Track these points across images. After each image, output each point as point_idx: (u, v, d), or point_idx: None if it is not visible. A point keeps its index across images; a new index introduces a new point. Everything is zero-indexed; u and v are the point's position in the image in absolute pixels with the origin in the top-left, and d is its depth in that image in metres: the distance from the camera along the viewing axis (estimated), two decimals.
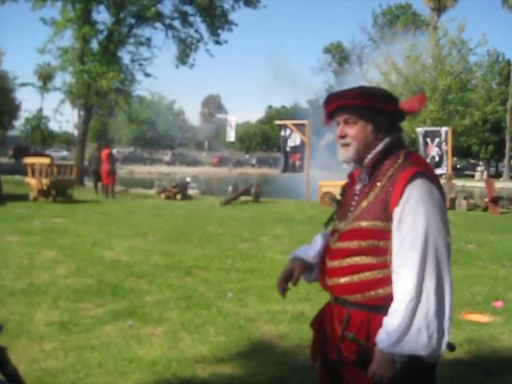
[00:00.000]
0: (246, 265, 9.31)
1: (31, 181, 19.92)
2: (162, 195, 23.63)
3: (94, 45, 29.67)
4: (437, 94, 29.88)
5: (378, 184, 2.44)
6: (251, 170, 75.10)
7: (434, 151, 22.55)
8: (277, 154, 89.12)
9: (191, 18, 31.43)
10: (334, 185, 21.91)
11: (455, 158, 55.00)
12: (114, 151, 25.74)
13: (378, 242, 2.39)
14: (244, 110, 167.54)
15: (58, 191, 19.95)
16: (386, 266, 2.38)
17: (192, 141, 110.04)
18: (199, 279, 8.27)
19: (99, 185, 24.18)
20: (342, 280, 2.48)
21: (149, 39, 31.18)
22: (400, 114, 2.57)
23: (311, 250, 2.81)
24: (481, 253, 11.06)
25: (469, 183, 40.75)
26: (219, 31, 31.38)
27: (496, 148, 64.14)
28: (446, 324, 2.28)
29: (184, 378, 4.68)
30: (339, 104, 2.54)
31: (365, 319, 2.42)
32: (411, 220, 2.29)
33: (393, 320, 2.27)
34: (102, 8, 30.00)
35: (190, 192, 25.59)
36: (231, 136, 27.33)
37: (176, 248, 10.74)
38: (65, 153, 75.61)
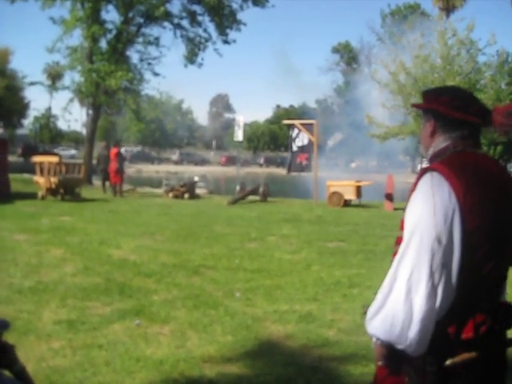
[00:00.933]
0: (254, 264, 9.30)
1: (40, 179, 19.96)
2: (170, 194, 23.64)
3: (103, 44, 29.74)
4: None
5: None
6: (259, 169, 75.11)
7: None
8: (284, 153, 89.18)
9: (200, 18, 31.45)
10: (342, 185, 21.91)
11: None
12: (122, 150, 25.72)
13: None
14: (252, 110, 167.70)
15: (67, 190, 20.00)
16: None
17: (200, 140, 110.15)
18: (207, 278, 8.27)
19: (107, 183, 24.21)
20: None
21: (157, 38, 31.22)
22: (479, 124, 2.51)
23: None
24: None
25: None
26: (227, 31, 31.37)
27: (505, 148, 63.89)
28: (416, 319, 2.23)
29: (191, 378, 4.68)
30: (416, 106, 2.69)
31: None
32: (408, 214, 2.34)
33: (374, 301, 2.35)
34: (110, 7, 30.07)
35: (198, 191, 25.60)
36: (239, 135, 27.24)
37: (184, 247, 10.74)
38: (73, 151, 75.78)
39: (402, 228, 2.43)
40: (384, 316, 2.29)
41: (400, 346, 2.28)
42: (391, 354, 2.35)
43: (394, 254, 2.40)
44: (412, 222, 2.31)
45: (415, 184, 2.36)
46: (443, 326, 2.29)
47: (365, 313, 2.48)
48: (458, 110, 2.45)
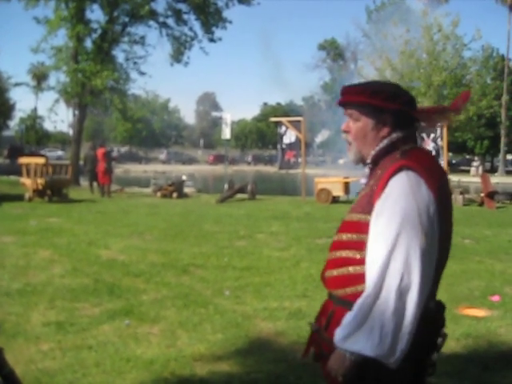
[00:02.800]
0: (243, 262, 9.29)
1: (26, 181, 19.85)
2: (158, 194, 23.59)
3: (88, 44, 29.65)
4: (432, 89, 29.88)
5: (372, 181, 2.38)
6: (247, 167, 75.10)
7: (430, 146, 22.57)
8: (272, 151, 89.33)
9: (185, 16, 31.40)
10: (330, 181, 21.95)
11: (450, 154, 55.03)
12: (110, 149, 25.67)
13: (363, 236, 2.30)
14: (239, 108, 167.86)
15: (54, 191, 19.92)
16: (359, 263, 2.33)
17: (187, 139, 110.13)
18: (196, 277, 8.26)
19: (94, 184, 24.12)
20: (331, 273, 2.45)
21: (143, 37, 31.15)
22: (410, 112, 2.46)
23: None
24: (477, 247, 11.07)
25: (464, 178, 40.78)
26: (213, 29, 31.34)
27: (491, 143, 64.26)
28: (406, 329, 2.12)
29: (182, 377, 4.67)
30: (345, 100, 2.50)
31: (338, 315, 2.36)
32: (388, 215, 2.20)
33: (349, 314, 2.21)
34: (95, 7, 29.94)
35: (186, 190, 25.56)
36: (227, 134, 27.25)
37: (172, 246, 10.72)
38: (60, 152, 75.46)
39: (343, 230, 2.41)
40: (370, 329, 2.14)
41: (386, 361, 2.15)
42: (365, 371, 2.21)
43: (333, 261, 2.41)
44: (396, 224, 2.17)
45: (384, 182, 2.26)
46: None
47: (316, 331, 2.47)
48: (413, 108, 2.45)
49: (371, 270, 2.19)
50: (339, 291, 2.39)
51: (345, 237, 2.39)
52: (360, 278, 2.28)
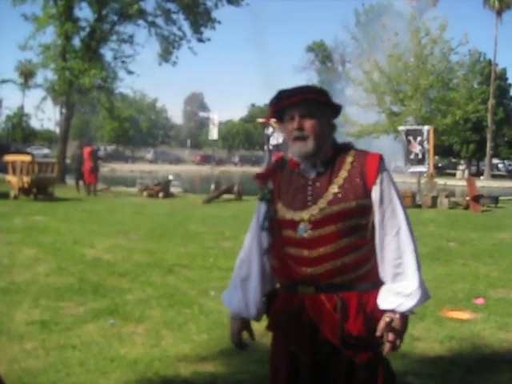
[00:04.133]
0: (229, 263, 9.26)
1: (12, 179, 19.74)
2: (144, 193, 23.54)
3: (76, 42, 29.62)
4: (419, 92, 30.00)
5: (343, 170, 2.59)
6: (234, 168, 75.06)
7: (416, 148, 22.69)
8: (259, 152, 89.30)
9: (174, 16, 31.43)
10: None
11: (437, 157, 55.30)
12: (101, 149, 25.60)
13: (361, 220, 2.55)
14: (227, 109, 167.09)
15: (39, 189, 19.84)
16: (366, 242, 2.57)
17: (174, 139, 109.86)
18: (181, 277, 8.25)
19: (81, 183, 24.03)
20: (331, 265, 2.52)
21: (131, 36, 31.13)
22: (337, 112, 2.75)
23: (249, 296, 2.85)
24: (462, 250, 11.12)
25: (450, 182, 40.95)
26: (202, 29, 31.34)
27: (477, 147, 64.65)
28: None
29: (166, 377, 4.66)
30: (300, 98, 2.60)
31: (359, 298, 2.54)
32: (388, 194, 2.56)
33: (413, 281, 2.51)
34: (84, 5, 29.91)
35: (173, 190, 25.53)
36: (214, 134, 27.22)
37: (158, 246, 10.70)
38: (46, 151, 74.96)
39: (335, 221, 2.55)
40: (422, 281, 2.54)
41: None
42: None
43: (339, 250, 2.53)
44: (398, 202, 2.60)
45: (376, 171, 2.57)
46: None
47: (341, 329, 2.52)
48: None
49: (399, 239, 2.55)
50: (347, 277, 2.54)
51: (342, 225, 2.53)
52: (364, 260, 2.57)
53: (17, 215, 14.50)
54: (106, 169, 52.47)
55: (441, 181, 30.40)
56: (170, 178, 27.43)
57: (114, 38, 30.98)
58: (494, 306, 7.00)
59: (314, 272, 2.54)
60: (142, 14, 30.28)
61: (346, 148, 2.68)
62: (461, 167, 64.59)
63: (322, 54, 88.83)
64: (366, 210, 2.55)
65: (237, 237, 12.13)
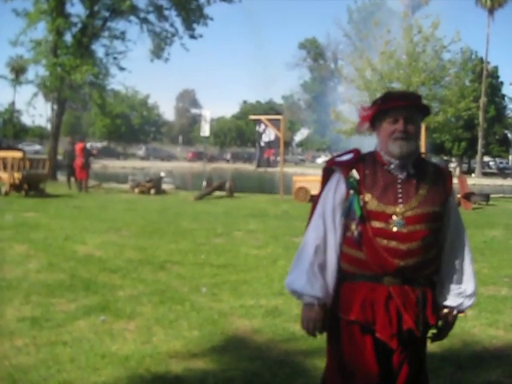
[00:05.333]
0: (220, 259, 9.29)
1: (3, 175, 19.67)
2: (136, 190, 23.50)
3: (68, 38, 29.50)
4: (411, 90, 30.01)
5: (428, 177, 2.85)
6: (225, 164, 75.03)
7: None
8: (251, 149, 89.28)
9: (166, 12, 31.35)
10: (309, 180, 22.02)
11: (428, 155, 55.44)
12: (88, 145, 25.52)
13: (440, 223, 2.84)
14: (219, 105, 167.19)
15: (31, 185, 19.77)
16: (436, 244, 2.84)
17: (166, 135, 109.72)
18: (173, 274, 8.24)
19: (72, 179, 23.96)
20: (418, 259, 2.75)
21: (123, 33, 31.06)
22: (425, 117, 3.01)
23: (329, 284, 2.91)
24: None
25: None
26: (194, 25, 31.29)
27: (468, 145, 64.84)
28: None
29: (157, 374, 4.66)
30: (407, 103, 2.80)
31: (428, 293, 2.83)
32: (456, 206, 2.99)
33: (471, 285, 2.93)
34: (75, 0, 29.84)
35: (164, 187, 25.50)
36: (206, 131, 27.20)
37: (150, 243, 10.69)
38: (38, 147, 74.73)
39: (420, 221, 2.80)
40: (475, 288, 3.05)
41: None
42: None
43: (421, 248, 2.77)
44: (460, 213, 3.08)
45: (451, 182, 2.96)
46: None
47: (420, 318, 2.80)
48: None
49: (467, 247, 2.98)
50: (422, 272, 2.80)
51: (429, 226, 2.78)
52: (436, 260, 2.88)
53: (8, 211, 14.45)
54: (97, 165, 52.35)
55: None
56: (162, 174, 27.38)
57: (106, 34, 30.90)
58: (485, 303, 7.02)
59: (405, 264, 2.73)
60: (133, 10, 30.18)
61: (424, 158, 3.01)
62: (452, 165, 64.76)
63: (314, 51, 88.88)
64: (442, 215, 2.85)
65: (228, 233, 12.17)
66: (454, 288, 2.91)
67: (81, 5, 29.80)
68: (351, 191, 2.80)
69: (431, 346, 5.38)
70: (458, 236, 2.95)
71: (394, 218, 2.73)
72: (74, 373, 4.59)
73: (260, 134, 23.37)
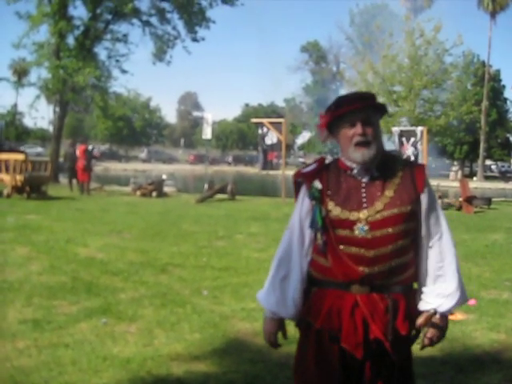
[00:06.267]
0: (222, 262, 9.30)
1: (5, 177, 19.70)
2: (138, 192, 23.50)
3: (70, 40, 29.43)
4: (412, 93, 30.06)
5: (395, 177, 2.73)
6: (227, 167, 75.04)
7: (409, 150, 22.66)
8: (253, 152, 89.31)
9: (168, 15, 31.30)
10: None
11: (430, 158, 55.47)
12: (90, 147, 25.52)
13: (412, 224, 2.70)
14: (221, 108, 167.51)
15: (33, 188, 19.78)
16: (413, 246, 2.74)
17: (168, 138, 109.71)
18: (174, 277, 8.25)
19: (74, 181, 23.97)
20: (387, 265, 2.64)
21: (125, 35, 31.00)
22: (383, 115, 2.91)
23: (288, 295, 2.87)
24: None
25: (443, 183, 41.06)
26: (196, 28, 31.29)
27: (470, 148, 64.80)
28: None
29: (159, 376, 4.67)
30: (362, 105, 2.70)
31: (401, 301, 2.67)
32: (433, 202, 2.77)
33: (452, 283, 2.72)
34: (78, 3, 29.79)
35: (166, 189, 25.50)
36: (207, 133, 27.23)
37: (151, 245, 10.70)
38: (39, 149, 74.73)
39: (386, 225, 2.67)
40: (462, 284, 2.79)
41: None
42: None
43: (390, 253, 2.65)
44: (440, 207, 2.87)
45: (423, 179, 2.78)
46: None
47: (388, 327, 2.63)
48: None
49: (447, 242, 2.75)
50: (395, 278, 2.67)
51: (397, 229, 2.65)
52: (411, 263, 2.74)
53: (10, 214, 14.46)
54: (99, 168, 52.38)
55: (434, 182, 30.45)
56: (164, 177, 27.38)
57: (108, 36, 30.88)
58: (486, 307, 7.03)
59: (372, 271, 2.63)
60: (136, 12, 30.19)
61: (393, 155, 2.87)
62: (454, 168, 64.69)
63: (316, 54, 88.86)
64: (415, 215, 2.70)
65: (230, 236, 12.17)
66: (433, 289, 2.74)
67: (83, 7, 29.79)
68: (313, 202, 2.77)
69: (431, 350, 5.40)
70: (435, 233, 2.76)
71: (358, 224, 2.65)
72: (76, 375, 4.60)
73: (262, 137, 23.36)
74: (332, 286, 2.72)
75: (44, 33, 30.11)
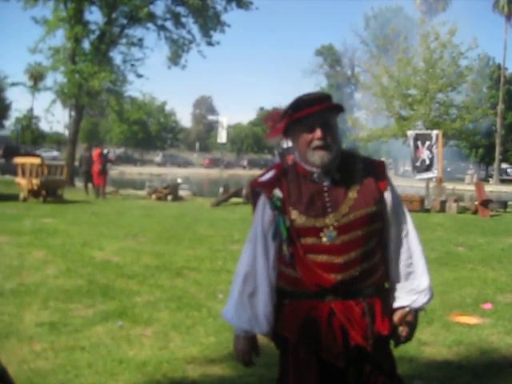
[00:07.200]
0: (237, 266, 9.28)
1: (21, 181, 19.83)
2: (153, 196, 23.57)
3: (86, 45, 29.65)
4: (428, 97, 29.95)
5: (357, 177, 2.64)
6: (242, 171, 75.05)
7: (424, 154, 22.57)
8: (268, 155, 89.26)
9: (183, 19, 31.44)
10: None
11: (445, 161, 55.26)
12: (105, 151, 25.66)
13: (379, 224, 2.65)
14: (236, 112, 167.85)
15: (49, 191, 19.90)
16: (380, 247, 2.68)
17: (183, 142, 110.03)
18: (190, 280, 8.27)
19: (89, 185, 24.08)
20: (359, 269, 2.57)
21: (141, 40, 31.19)
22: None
23: (259, 311, 2.75)
24: (470, 255, 11.09)
25: (459, 186, 40.90)
26: (211, 32, 31.37)
27: (486, 151, 64.40)
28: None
29: (174, 379, 4.68)
30: (320, 108, 2.56)
31: (376, 303, 2.62)
32: (396, 199, 2.72)
33: (424, 279, 2.70)
34: (94, 8, 30.00)
35: (181, 193, 25.56)
36: (223, 137, 27.24)
37: (167, 249, 10.73)
38: (55, 153, 75.17)
39: (353, 228, 2.60)
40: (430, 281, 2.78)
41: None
42: None
43: (360, 257, 2.59)
44: (403, 205, 2.84)
45: (385, 178, 2.72)
46: None
47: (370, 331, 2.57)
48: None
49: (412, 240, 2.72)
50: (368, 281, 2.61)
51: (366, 229, 2.59)
52: (381, 264, 2.68)
53: (26, 217, 14.56)
54: (114, 171, 52.61)
55: (449, 185, 30.32)
56: (179, 181, 27.48)
57: (124, 41, 31.07)
58: (502, 311, 6.99)
59: (344, 278, 2.54)
60: (151, 17, 30.34)
61: (352, 155, 2.76)
62: (469, 172, 64.32)
63: (330, 57, 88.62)
64: (381, 214, 2.64)
65: (245, 240, 12.12)
66: (405, 286, 2.68)
67: (99, 12, 30.03)
68: (275, 212, 2.63)
69: (447, 354, 5.39)
70: (402, 230, 2.69)
71: (326, 230, 2.55)
72: (92, 378, 4.63)
73: (279, 141, 23.34)
74: (305, 297, 2.63)
75: (60, 37, 30.40)
